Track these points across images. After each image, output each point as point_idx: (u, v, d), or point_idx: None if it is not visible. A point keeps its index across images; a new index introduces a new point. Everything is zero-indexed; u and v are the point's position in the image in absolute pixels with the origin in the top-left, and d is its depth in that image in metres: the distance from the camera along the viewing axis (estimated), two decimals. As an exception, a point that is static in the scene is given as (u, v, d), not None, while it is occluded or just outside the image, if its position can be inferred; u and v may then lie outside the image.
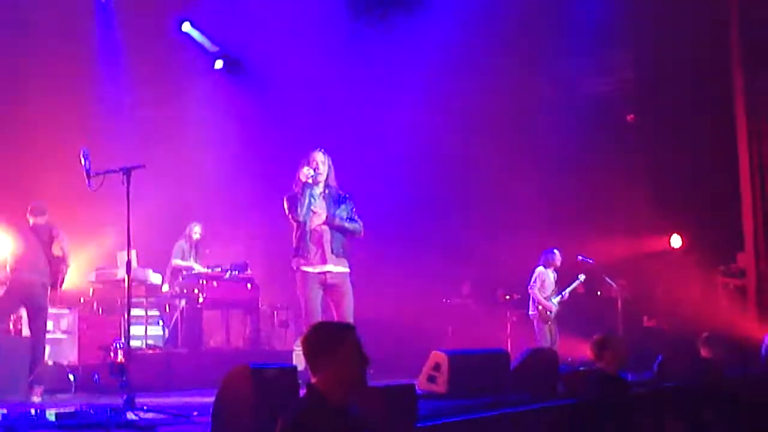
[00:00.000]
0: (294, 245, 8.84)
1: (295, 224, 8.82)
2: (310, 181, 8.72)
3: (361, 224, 8.94)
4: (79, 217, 13.47)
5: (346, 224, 8.83)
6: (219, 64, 16.70)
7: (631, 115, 17.29)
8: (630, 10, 15.11)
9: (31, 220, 10.42)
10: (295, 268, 8.82)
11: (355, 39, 15.41)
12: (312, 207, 8.72)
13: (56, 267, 10.38)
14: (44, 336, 10.40)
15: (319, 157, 8.89)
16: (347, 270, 8.87)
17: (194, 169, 15.79)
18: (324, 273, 8.72)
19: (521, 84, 15.80)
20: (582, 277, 13.72)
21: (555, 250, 13.47)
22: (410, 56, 15.32)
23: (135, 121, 14.61)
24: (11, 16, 13.31)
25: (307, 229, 8.73)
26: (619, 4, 14.86)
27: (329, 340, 4.28)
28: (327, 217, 8.73)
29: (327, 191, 8.87)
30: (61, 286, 10.57)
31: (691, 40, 14.82)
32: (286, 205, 8.86)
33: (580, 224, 15.56)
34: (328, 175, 8.88)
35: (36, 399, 9.71)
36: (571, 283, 13.57)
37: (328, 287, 8.76)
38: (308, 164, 8.82)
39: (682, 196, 15.77)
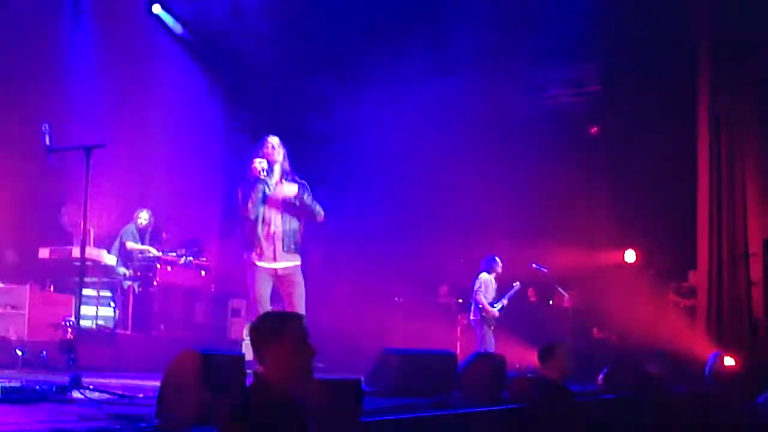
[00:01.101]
0: (244, 237, 8.81)
1: (246, 216, 8.78)
2: (262, 176, 8.68)
3: (323, 211, 8.90)
4: (36, 193, 13.40)
5: (314, 205, 8.78)
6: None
7: (595, 128, 17.39)
8: (598, 23, 15.20)
9: None
10: (245, 259, 8.81)
11: (330, 37, 15.45)
12: (269, 193, 8.69)
13: None
14: None
15: (274, 140, 8.85)
16: (299, 263, 8.85)
17: (153, 152, 15.70)
18: (275, 268, 8.72)
19: (485, 92, 15.84)
20: (517, 284, 13.86)
21: (497, 257, 13.62)
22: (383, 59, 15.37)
23: (97, 100, 14.49)
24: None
25: (259, 223, 8.69)
26: (588, 17, 14.94)
27: (273, 329, 4.28)
28: (298, 190, 8.69)
29: (283, 180, 8.85)
30: None
31: (657, 57, 14.97)
32: (239, 196, 8.83)
33: (536, 233, 15.66)
34: (283, 159, 8.86)
35: None
36: (508, 291, 13.69)
37: (279, 278, 8.75)
38: (263, 148, 8.79)
39: (639, 212, 15.90)
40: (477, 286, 13.49)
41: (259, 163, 8.66)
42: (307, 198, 8.75)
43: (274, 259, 8.68)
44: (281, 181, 8.81)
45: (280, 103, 15.59)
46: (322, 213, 8.89)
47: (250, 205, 8.61)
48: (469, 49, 14.90)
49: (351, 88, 15.07)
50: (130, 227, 13.83)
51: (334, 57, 15.57)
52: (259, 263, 8.66)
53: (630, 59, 15.58)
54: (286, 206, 8.79)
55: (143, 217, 13.88)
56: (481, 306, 13.36)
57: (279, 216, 8.75)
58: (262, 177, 8.66)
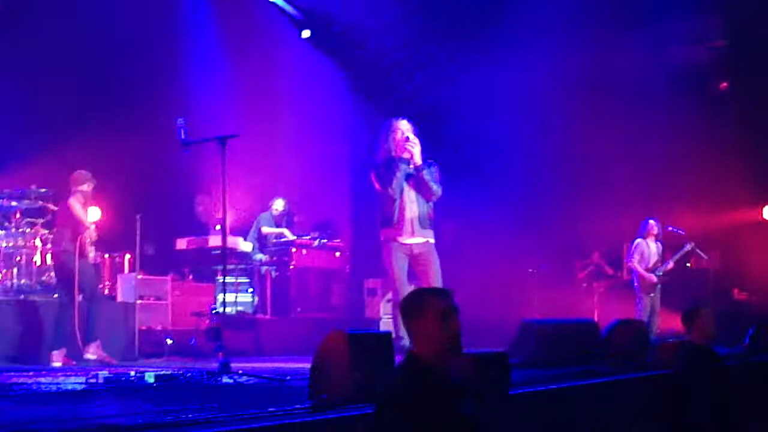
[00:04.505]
0: (382, 216, 8.86)
1: (384, 195, 8.83)
2: (414, 155, 8.70)
3: (440, 190, 8.90)
4: (173, 185, 13.75)
5: (432, 182, 8.78)
6: (306, 33, 16.71)
7: (725, 83, 16.94)
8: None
9: (72, 188, 10.30)
10: (382, 238, 8.86)
11: (452, 11, 15.40)
12: (410, 172, 8.75)
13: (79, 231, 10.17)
14: (72, 300, 10.06)
15: (405, 126, 8.88)
16: (432, 240, 8.89)
17: (285, 139, 15.92)
18: (410, 244, 8.76)
19: (611, 51, 15.55)
20: (689, 245, 13.54)
21: (650, 220, 13.34)
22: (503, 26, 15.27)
23: (227, 91, 14.79)
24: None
25: (397, 201, 8.74)
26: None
27: (419, 305, 4.32)
28: (416, 167, 8.71)
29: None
30: (84, 249, 10.17)
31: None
32: (375, 176, 8.86)
33: (671, 194, 15.38)
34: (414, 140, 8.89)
35: (90, 356, 9.89)
36: (677, 253, 13.44)
37: (414, 257, 8.80)
38: (393, 133, 8.82)
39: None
40: (630, 252, 13.35)
41: (411, 146, 8.68)
42: (427, 174, 8.76)
43: (411, 234, 8.72)
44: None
45: (403, 84, 15.57)
46: (439, 193, 8.87)
47: (394, 182, 8.66)
48: (586, 7, 14.71)
49: (475, 62, 14.99)
50: (266, 215, 14.11)
51: (455, 35, 15.47)
52: (397, 240, 8.71)
53: (761, 10, 15.08)
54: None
55: (279, 204, 14.16)
56: (637, 273, 13.18)
57: (415, 194, 8.79)
58: (407, 157, 8.68)
